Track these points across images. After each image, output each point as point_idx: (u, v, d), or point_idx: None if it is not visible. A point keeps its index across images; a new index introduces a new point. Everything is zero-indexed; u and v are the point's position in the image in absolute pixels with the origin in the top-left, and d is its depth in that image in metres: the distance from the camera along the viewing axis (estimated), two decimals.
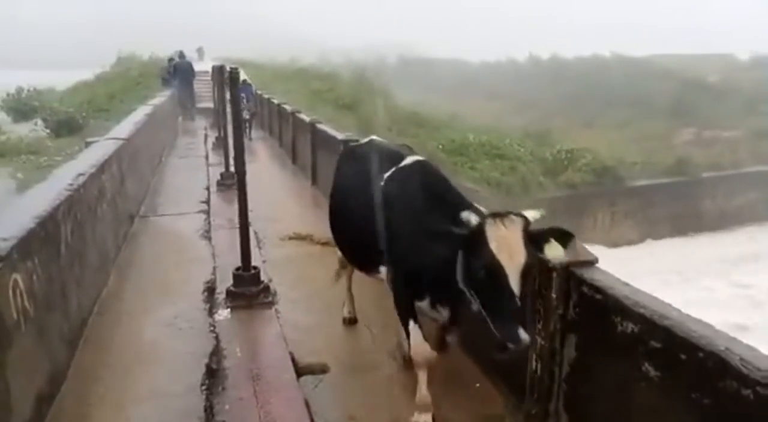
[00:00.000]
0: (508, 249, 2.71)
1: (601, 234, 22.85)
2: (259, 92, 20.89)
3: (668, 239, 24.34)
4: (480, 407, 3.79)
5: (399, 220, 3.43)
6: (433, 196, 3.33)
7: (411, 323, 3.51)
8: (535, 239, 2.81)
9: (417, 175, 3.56)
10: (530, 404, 3.31)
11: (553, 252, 2.84)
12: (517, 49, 51.56)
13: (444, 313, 3.47)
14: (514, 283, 2.67)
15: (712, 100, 34.19)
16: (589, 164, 23.91)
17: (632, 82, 36.73)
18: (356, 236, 3.90)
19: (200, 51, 37.77)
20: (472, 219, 2.86)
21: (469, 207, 3.09)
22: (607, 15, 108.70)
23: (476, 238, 2.78)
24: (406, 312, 3.56)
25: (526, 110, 36.14)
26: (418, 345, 3.51)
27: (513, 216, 2.80)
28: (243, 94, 15.12)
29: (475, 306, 2.87)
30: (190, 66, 21.42)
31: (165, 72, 21.70)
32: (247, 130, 16.46)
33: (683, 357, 2.34)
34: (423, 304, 3.47)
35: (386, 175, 3.71)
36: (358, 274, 4.54)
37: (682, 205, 25.17)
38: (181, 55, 22.29)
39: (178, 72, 20.85)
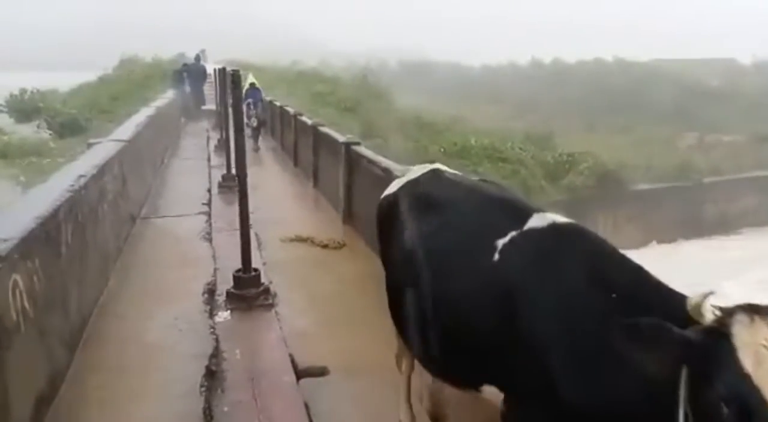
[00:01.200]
0: None
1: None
2: (268, 98, 18.26)
3: (671, 244, 24.31)
4: None
5: (543, 322, 2.14)
6: (611, 289, 2.04)
7: None
8: None
9: (572, 249, 2.25)
10: None
11: None
12: (519, 52, 51.67)
13: None
14: None
15: (714, 105, 34.21)
16: (591, 168, 23.91)
17: (634, 87, 36.78)
18: (441, 334, 2.56)
19: (202, 54, 37.85)
20: (707, 312, 1.77)
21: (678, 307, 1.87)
22: (610, 19, 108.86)
23: (717, 347, 1.69)
24: None
25: (528, 114, 36.16)
26: None
27: None
28: (251, 100, 14.66)
29: None
30: (203, 69, 21.69)
31: (178, 74, 21.81)
32: (255, 140, 15.29)
33: None
34: None
35: (501, 240, 2.40)
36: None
37: (684, 210, 25.15)
38: (197, 57, 22.70)
39: (191, 74, 21.05)
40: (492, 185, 3.01)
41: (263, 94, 16.33)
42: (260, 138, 15.75)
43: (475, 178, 3.32)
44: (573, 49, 51.13)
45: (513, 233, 2.38)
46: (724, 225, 25.76)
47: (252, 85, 15.40)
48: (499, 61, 51.09)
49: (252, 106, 14.82)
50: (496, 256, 2.36)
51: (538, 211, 2.46)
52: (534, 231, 2.36)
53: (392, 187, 3.28)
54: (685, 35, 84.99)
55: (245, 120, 14.21)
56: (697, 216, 25.65)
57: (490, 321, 2.29)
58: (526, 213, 2.45)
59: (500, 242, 2.38)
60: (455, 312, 2.46)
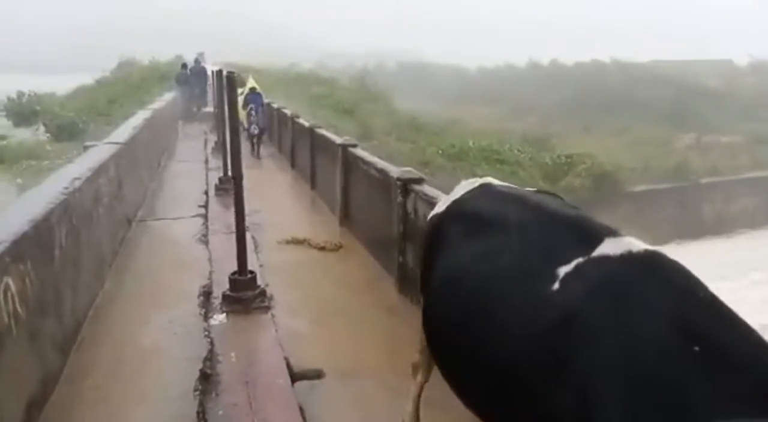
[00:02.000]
0: None
1: None
2: (268, 101, 17.20)
3: (669, 244, 24.32)
4: None
5: (605, 372, 1.73)
6: (697, 340, 1.64)
7: None
8: None
9: (652, 286, 1.81)
10: None
11: None
12: (516, 54, 51.73)
13: None
14: None
15: (710, 106, 34.30)
16: (589, 169, 23.98)
17: (631, 88, 36.83)
18: (483, 367, 2.24)
19: (201, 56, 37.85)
20: None
21: None
22: (607, 20, 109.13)
23: None
24: None
25: (526, 115, 36.21)
26: None
27: None
28: (252, 106, 14.18)
29: None
30: (204, 71, 21.98)
31: (183, 75, 21.86)
32: (255, 148, 14.60)
33: None
34: None
35: (564, 268, 2.02)
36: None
37: (681, 210, 25.22)
38: (197, 60, 22.95)
39: (194, 76, 21.13)
40: (552, 198, 2.62)
41: (264, 99, 15.53)
42: (261, 146, 14.91)
43: (529, 188, 2.90)
44: (570, 50, 51.25)
45: (579, 260, 2.00)
46: (721, 226, 25.80)
47: (252, 89, 14.70)
48: (496, 63, 51.12)
49: (253, 112, 14.24)
50: (556, 285, 2.00)
51: (611, 232, 2.06)
52: (606, 259, 1.96)
53: (440, 206, 2.97)
54: (682, 36, 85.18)
55: (246, 127, 13.85)
56: (695, 217, 25.71)
57: (539, 360, 1.94)
58: (595, 235, 2.06)
59: (562, 270, 2.01)
60: (500, 345, 2.13)
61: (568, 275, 2.00)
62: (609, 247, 1.98)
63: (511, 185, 2.92)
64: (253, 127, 14.27)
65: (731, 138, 30.81)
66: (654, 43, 70.87)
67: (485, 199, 2.71)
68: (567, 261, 2.02)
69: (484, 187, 2.85)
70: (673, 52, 54.48)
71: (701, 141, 31.12)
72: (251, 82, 15.28)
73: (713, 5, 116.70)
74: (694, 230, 25.18)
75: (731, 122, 32.67)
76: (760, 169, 28.22)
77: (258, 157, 14.44)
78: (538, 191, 2.83)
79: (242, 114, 13.61)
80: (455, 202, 2.86)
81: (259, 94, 14.75)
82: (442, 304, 2.56)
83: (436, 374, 3.31)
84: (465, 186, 2.96)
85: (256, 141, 14.64)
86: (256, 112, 14.29)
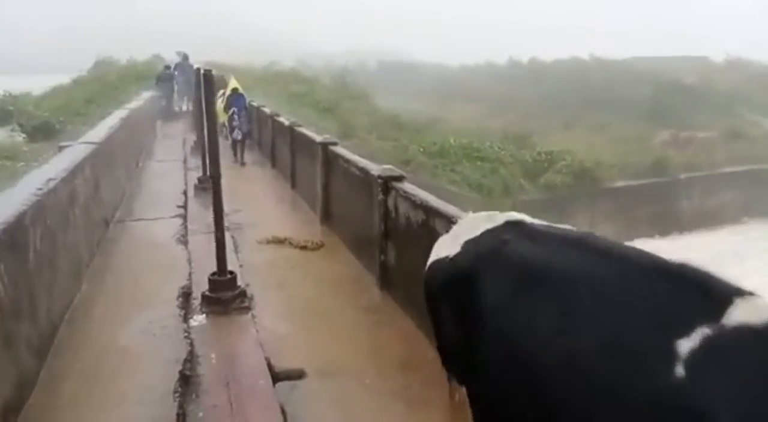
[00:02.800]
0: None
1: None
2: (254, 103, 16.13)
3: (649, 239, 24.61)
4: None
5: None
6: None
7: None
8: None
9: None
10: None
11: None
12: (497, 52, 51.94)
13: None
14: None
15: (688, 102, 34.71)
16: (569, 166, 24.15)
17: (610, 85, 37.15)
18: None
19: (180, 55, 37.48)
20: None
21: None
22: (585, 18, 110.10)
23: None
24: None
25: (506, 113, 36.36)
26: None
27: None
28: (234, 108, 13.22)
29: None
30: (191, 67, 21.73)
31: (164, 75, 21.56)
32: (239, 154, 13.40)
33: None
34: None
35: (684, 342, 1.47)
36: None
37: (660, 206, 25.51)
38: (185, 57, 22.42)
39: (180, 72, 20.85)
40: (611, 243, 1.97)
41: (248, 100, 14.51)
42: (246, 151, 13.75)
43: (557, 224, 2.31)
44: (550, 48, 51.58)
45: (704, 330, 1.44)
46: (700, 221, 26.15)
47: (234, 90, 13.49)
48: (476, 60, 51.32)
49: (236, 116, 13.14)
50: (681, 371, 1.43)
51: (738, 291, 1.47)
52: (745, 330, 1.40)
53: (449, 247, 2.38)
54: (658, 33, 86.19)
55: (228, 132, 13.14)
56: (675, 211, 26.03)
57: None
58: (716, 294, 1.49)
59: (683, 345, 1.45)
60: None
61: (693, 354, 1.43)
62: (744, 312, 1.42)
63: (549, 223, 2.31)
64: (236, 132, 13.16)
65: (707, 134, 31.22)
66: (633, 40, 71.59)
67: (531, 243, 2.10)
68: (685, 332, 1.46)
69: (521, 227, 2.24)
70: (651, 48, 55.12)
71: (679, 137, 31.49)
72: (233, 83, 13.85)
73: (691, 2, 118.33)
74: (674, 225, 25.51)
75: (708, 118, 33.09)
76: (736, 164, 28.65)
77: (242, 163, 13.26)
78: (582, 235, 2.14)
79: (223, 116, 13.08)
80: (479, 244, 2.25)
81: (242, 95, 13.69)
82: (509, 391, 1.90)
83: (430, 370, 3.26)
84: (476, 221, 2.42)
85: (239, 147, 13.41)
86: (239, 116, 13.19)
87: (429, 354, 4.32)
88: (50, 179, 4.89)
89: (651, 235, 24.75)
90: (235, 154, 13.45)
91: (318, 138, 8.79)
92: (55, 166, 5.57)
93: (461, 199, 17.24)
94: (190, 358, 4.18)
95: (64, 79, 31.06)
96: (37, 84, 30.21)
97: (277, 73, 34.80)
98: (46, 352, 4.17)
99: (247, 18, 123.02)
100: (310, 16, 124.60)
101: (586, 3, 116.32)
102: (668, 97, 35.14)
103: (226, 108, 13.23)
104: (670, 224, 25.38)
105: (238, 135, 13.21)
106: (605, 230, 24.00)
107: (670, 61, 46.45)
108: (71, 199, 5.52)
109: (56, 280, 4.64)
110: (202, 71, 5.40)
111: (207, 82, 5.28)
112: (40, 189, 4.51)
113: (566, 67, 44.13)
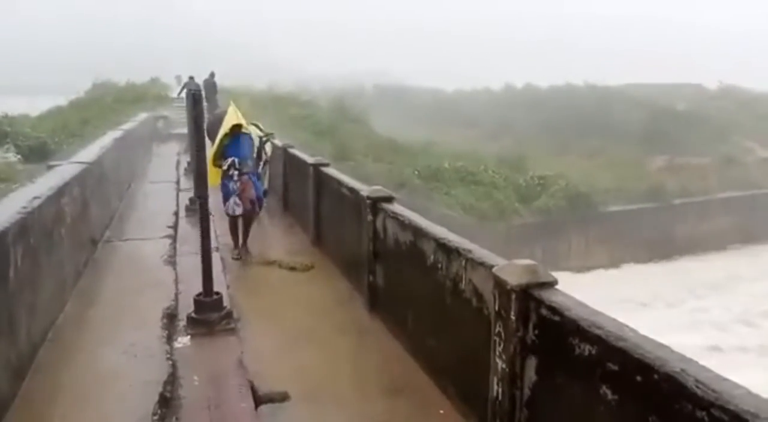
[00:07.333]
0: None
1: (576, 259, 23.05)
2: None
3: (643, 264, 24.61)
4: None
5: None
6: None
7: None
8: None
9: None
10: None
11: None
12: (492, 76, 52.35)
13: None
14: None
15: (682, 129, 34.96)
16: (563, 190, 24.24)
17: (605, 111, 37.43)
18: None
19: (178, 79, 37.72)
20: None
21: None
22: (580, 44, 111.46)
23: None
24: None
25: (501, 137, 36.56)
26: None
27: None
28: (234, 159, 7.31)
29: None
30: (214, 85, 22.98)
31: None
32: (240, 241, 7.59)
33: (639, 379, 2.29)
34: None
35: None
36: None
37: (654, 231, 25.57)
38: (212, 74, 23.70)
39: (205, 89, 21.30)
40: None
41: (256, 141, 8.61)
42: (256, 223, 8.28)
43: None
44: (545, 73, 52.01)
45: None
46: (693, 246, 26.19)
47: (236, 128, 7.34)
48: (473, 85, 51.66)
49: (235, 173, 7.29)
50: None
51: None
52: None
53: None
54: (653, 60, 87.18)
55: (226, 210, 7.33)
56: (668, 237, 26.07)
57: None
58: None
59: None
60: None
61: None
62: None
63: None
64: (232, 202, 7.32)
65: (701, 160, 31.44)
66: (627, 67, 72.43)
67: None
68: None
69: None
70: (645, 75, 55.60)
71: (673, 162, 31.69)
72: (232, 114, 7.52)
73: (684, 30, 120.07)
74: (669, 250, 25.54)
75: (701, 144, 33.34)
76: (729, 190, 28.81)
77: (245, 253, 7.56)
78: None
79: (215, 176, 7.22)
80: None
81: (247, 136, 7.63)
82: None
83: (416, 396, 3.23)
84: None
85: (242, 226, 7.65)
86: (240, 172, 7.31)
87: (416, 378, 4.26)
88: (35, 198, 4.84)
89: (645, 260, 24.79)
90: (234, 239, 7.66)
91: (310, 159, 8.78)
92: (41, 185, 5.53)
93: (456, 222, 17.23)
94: (172, 380, 4.11)
95: (61, 100, 31.22)
96: (36, 105, 30.34)
97: (275, 97, 35.00)
98: (24, 373, 4.09)
99: (248, 41, 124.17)
100: (309, 37, 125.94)
101: (581, 26, 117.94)
102: (662, 123, 35.42)
103: (218, 157, 7.35)
104: (664, 249, 25.43)
105: (236, 208, 7.37)
106: (598, 254, 24.04)
107: (664, 88, 46.93)
108: (57, 218, 5.47)
109: (38, 300, 4.57)
110: (188, 91, 5.38)
111: (195, 102, 5.28)
112: (24, 207, 4.46)
113: (561, 92, 44.47)
